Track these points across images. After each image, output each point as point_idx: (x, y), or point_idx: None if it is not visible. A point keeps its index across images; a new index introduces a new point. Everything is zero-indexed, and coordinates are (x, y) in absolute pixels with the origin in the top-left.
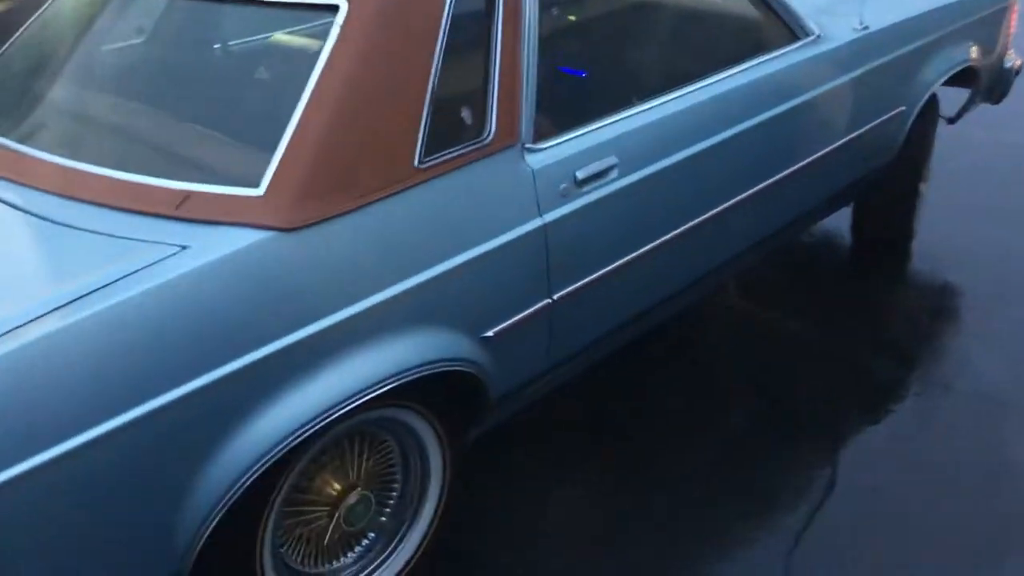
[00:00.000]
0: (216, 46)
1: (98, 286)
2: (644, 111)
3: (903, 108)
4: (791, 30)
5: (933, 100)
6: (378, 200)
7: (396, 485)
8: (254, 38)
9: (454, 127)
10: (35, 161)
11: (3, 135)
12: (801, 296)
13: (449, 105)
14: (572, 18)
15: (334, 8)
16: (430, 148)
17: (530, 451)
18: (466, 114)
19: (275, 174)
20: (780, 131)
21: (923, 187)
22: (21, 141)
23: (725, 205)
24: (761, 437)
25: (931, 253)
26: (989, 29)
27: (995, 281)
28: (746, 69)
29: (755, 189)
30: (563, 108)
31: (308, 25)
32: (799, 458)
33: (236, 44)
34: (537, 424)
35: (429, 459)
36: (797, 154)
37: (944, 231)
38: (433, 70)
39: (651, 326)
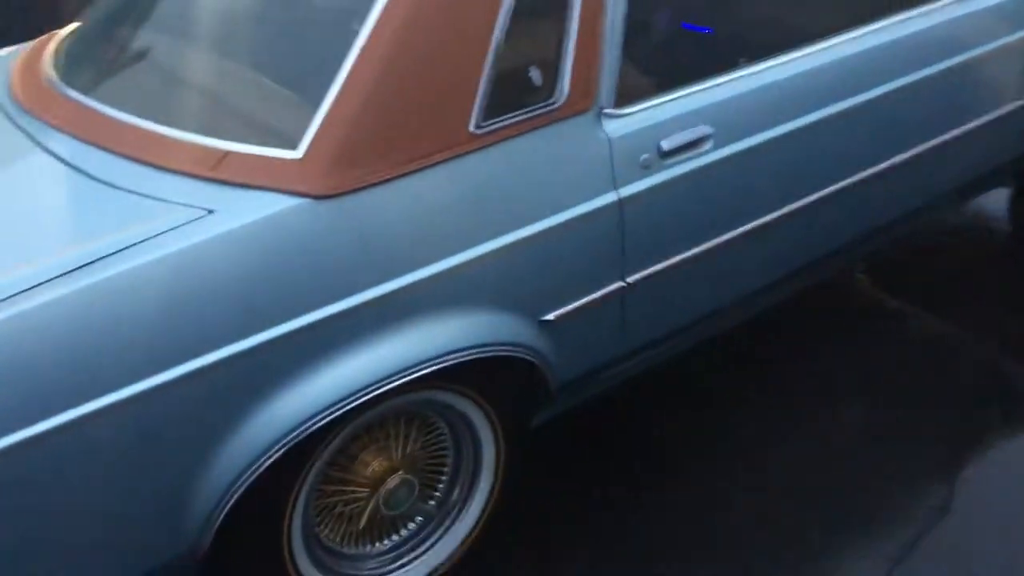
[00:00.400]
0: None
1: (115, 249)
2: (750, 74)
3: None
4: None
5: None
6: (425, 168)
7: (445, 470)
8: None
9: (520, 88)
10: (85, 110)
11: (68, 84)
12: (939, 285)
13: (515, 62)
14: None
15: None
16: (490, 111)
17: (580, 448)
18: (535, 73)
19: (315, 137)
20: (921, 99)
21: None
22: (78, 89)
23: (842, 184)
24: (871, 444)
25: None
26: None
27: None
28: (884, 27)
29: (881, 167)
30: (654, 68)
31: None
32: (911, 473)
33: None
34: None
35: (482, 449)
36: (939, 127)
37: None
38: (499, 21)
39: (750, 315)
